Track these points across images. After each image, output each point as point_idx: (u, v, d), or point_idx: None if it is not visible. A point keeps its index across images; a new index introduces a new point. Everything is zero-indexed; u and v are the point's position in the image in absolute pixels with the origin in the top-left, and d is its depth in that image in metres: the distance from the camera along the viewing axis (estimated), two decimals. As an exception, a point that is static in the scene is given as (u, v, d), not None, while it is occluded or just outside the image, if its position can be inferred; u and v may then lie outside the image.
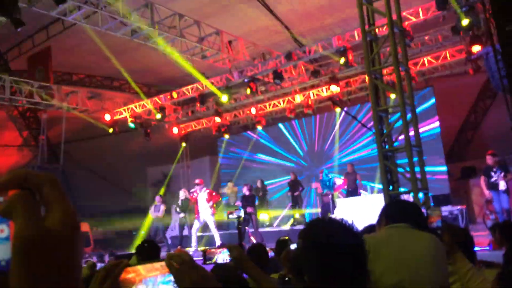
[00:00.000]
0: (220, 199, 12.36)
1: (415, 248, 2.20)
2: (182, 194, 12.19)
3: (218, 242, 10.71)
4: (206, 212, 11.00)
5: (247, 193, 11.69)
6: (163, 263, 1.22)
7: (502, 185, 8.79)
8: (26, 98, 12.48)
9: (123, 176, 18.99)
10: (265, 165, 16.03)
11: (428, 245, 2.23)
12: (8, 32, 10.76)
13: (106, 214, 18.25)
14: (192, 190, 11.48)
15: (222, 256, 2.87)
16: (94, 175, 19.32)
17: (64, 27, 12.95)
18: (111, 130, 14.73)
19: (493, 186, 8.92)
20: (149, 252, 3.85)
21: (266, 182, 14.11)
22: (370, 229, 2.85)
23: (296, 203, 13.22)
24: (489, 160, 9.11)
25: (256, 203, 11.86)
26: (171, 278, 1.21)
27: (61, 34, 13.11)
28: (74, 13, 9.42)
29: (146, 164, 18.45)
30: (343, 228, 1.56)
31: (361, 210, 8.79)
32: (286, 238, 4.19)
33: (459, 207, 10.00)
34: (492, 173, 9.00)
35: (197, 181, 11.49)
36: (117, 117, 14.77)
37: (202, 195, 11.08)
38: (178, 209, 12.24)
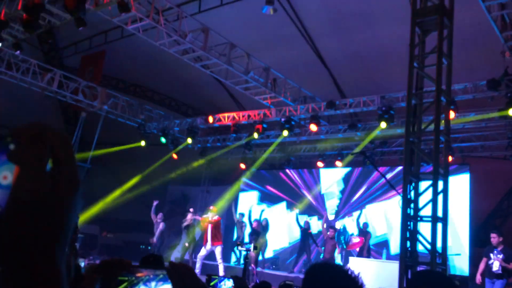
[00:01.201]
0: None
1: None
2: (189, 218, 12.17)
3: (221, 273, 10.51)
4: (214, 240, 10.90)
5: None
6: (164, 271, 1.19)
7: (496, 267, 7.74)
8: (71, 94, 12.91)
9: (144, 188, 19.12)
10: (282, 205, 15.86)
11: None
12: (68, 30, 11.31)
13: (120, 222, 18.33)
14: (205, 216, 11.44)
15: (225, 286, 2.81)
16: (116, 180, 19.54)
17: (122, 35, 13.51)
18: (143, 143, 14.98)
19: (489, 270, 7.86)
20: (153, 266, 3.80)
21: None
22: None
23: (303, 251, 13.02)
24: (493, 239, 8.06)
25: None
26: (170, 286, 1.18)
27: (117, 41, 13.67)
28: (134, 24, 9.83)
29: (169, 180, 18.55)
30: (346, 275, 1.54)
31: (374, 274, 8.47)
32: (291, 282, 4.06)
33: (475, 293, 9.50)
34: (491, 254, 7.93)
35: (211, 207, 11.47)
36: (151, 129, 15.03)
37: (212, 222, 11.03)
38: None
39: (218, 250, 10.89)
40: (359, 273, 1.59)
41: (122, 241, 17.73)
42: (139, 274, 1.27)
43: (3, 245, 0.48)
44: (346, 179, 14.98)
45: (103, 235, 16.70)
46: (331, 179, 15.27)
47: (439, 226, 5.72)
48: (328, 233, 11.87)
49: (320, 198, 15.31)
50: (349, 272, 1.58)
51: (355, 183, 14.73)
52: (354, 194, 14.63)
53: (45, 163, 0.52)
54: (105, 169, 18.99)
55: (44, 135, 0.53)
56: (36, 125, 0.53)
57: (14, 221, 0.49)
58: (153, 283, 1.24)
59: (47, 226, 0.50)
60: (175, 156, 15.47)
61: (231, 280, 2.81)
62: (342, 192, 14.92)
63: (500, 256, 7.89)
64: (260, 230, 12.48)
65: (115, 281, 1.21)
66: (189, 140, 14.33)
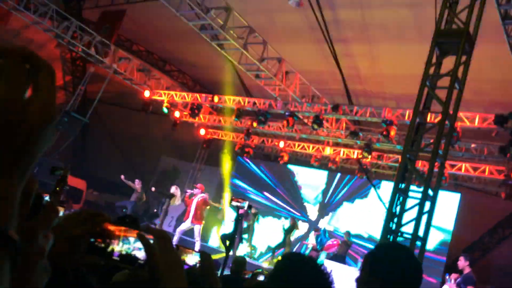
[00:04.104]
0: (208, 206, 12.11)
1: None
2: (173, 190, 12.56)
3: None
4: (195, 218, 11.00)
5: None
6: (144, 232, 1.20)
7: None
8: (83, 46, 12.84)
9: (137, 154, 19.15)
10: (269, 199, 15.92)
11: None
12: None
13: (107, 182, 18.36)
14: (191, 191, 11.54)
15: (193, 258, 2.82)
16: (111, 141, 19.57)
17: (145, -2, 13.38)
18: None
19: None
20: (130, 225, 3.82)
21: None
22: None
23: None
24: (460, 262, 7.75)
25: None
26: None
27: (139, 3, 13.55)
28: (159, -11, 9.75)
29: (162, 151, 18.58)
30: (317, 268, 1.55)
31: (345, 280, 8.50)
32: (243, 257, 4.12)
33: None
34: (447, 277, 7.71)
35: (198, 185, 11.56)
36: (155, 97, 14.96)
37: (196, 200, 11.10)
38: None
39: (197, 228, 11.01)
40: (331, 271, 1.61)
41: (106, 202, 17.78)
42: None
43: None
44: (332, 183, 15.05)
45: (88, 192, 16.74)
46: (321, 182, 15.33)
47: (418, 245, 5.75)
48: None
49: (308, 199, 15.38)
50: (322, 268, 1.59)
51: (343, 189, 14.81)
52: (340, 200, 14.72)
53: (25, 85, 0.52)
54: (102, 127, 19.00)
55: (30, 59, 0.53)
56: (23, 48, 0.53)
57: None
58: (132, 239, 1.25)
59: (10, 144, 0.49)
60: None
61: (197, 255, 2.81)
62: (330, 196, 14.98)
63: (453, 281, 7.76)
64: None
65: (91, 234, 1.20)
66: (192, 115, 14.31)
